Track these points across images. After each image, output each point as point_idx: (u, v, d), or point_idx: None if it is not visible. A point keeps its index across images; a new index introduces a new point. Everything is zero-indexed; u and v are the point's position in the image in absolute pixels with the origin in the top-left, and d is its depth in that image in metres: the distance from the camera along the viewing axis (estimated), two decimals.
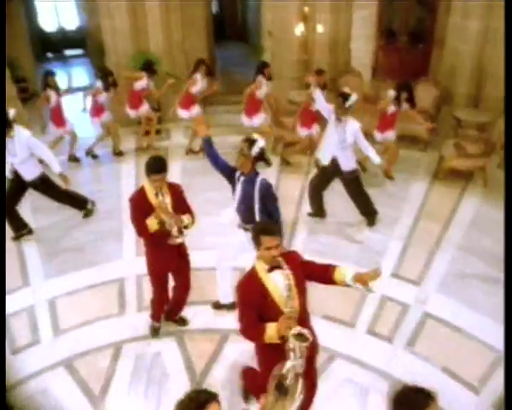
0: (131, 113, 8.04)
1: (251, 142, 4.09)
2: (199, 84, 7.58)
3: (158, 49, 9.16)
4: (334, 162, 5.79)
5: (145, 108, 8.04)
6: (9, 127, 5.36)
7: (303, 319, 2.95)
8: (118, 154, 8.11)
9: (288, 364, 2.61)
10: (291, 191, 6.88)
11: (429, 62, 8.97)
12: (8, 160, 5.46)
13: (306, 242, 5.85)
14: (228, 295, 4.77)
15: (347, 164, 5.77)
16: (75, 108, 8.39)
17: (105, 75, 7.64)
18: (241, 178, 4.16)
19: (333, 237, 5.97)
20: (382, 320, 4.70)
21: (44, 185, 5.84)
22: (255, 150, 4.07)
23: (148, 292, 4.81)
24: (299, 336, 2.63)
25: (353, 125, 5.59)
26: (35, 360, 4.33)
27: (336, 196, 6.31)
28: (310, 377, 2.91)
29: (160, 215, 3.77)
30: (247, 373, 3.57)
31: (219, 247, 4.72)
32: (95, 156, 8.07)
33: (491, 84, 7.72)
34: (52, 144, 7.45)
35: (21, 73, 10.38)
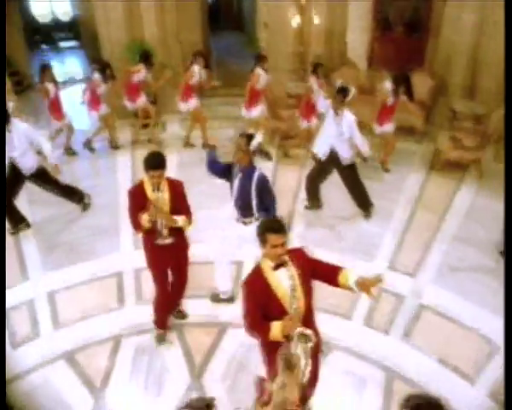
0: (129, 105, 8.00)
1: (249, 137, 4.10)
2: (197, 75, 7.52)
3: (153, 39, 9.12)
4: (333, 154, 5.82)
5: (143, 100, 8.00)
6: (8, 121, 5.35)
7: (308, 318, 2.97)
8: (114, 147, 8.09)
9: (293, 346, 2.64)
10: (288, 184, 6.90)
11: (425, 53, 8.95)
12: (8, 153, 5.44)
13: (303, 234, 5.89)
14: (227, 289, 4.82)
15: (346, 156, 5.80)
16: (70, 101, 8.35)
17: (102, 67, 7.59)
18: (239, 174, 4.18)
19: (329, 229, 6.01)
20: (378, 312, 4.76)
21: (43, 178, 5.85)
22: (253, 145, 4.09)
23: (146, 285, 4.87)
24: (303, 337, 2.65)
25: (349, 118, 5.62)
26: (35, 354, 4.36)
27: (333, 189, 6.34)
28: (312, 370, 2.93)
29: (153, 212, 3.73)
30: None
31: (217, 240, 4.75)
32: (92, 149, 8.05)
33: (487, 75, 7.74)
34: (52, 137, 7.46)
35: (15, 66, 10.29)
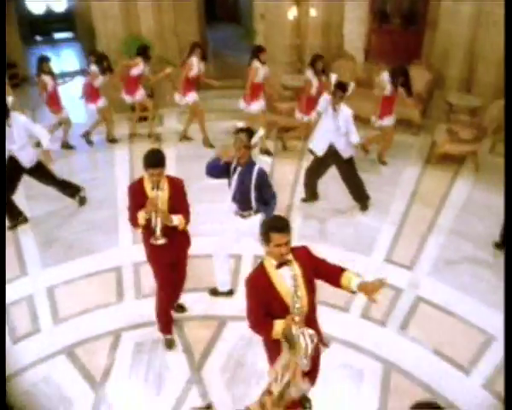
0: (127, 98, 7.94)
1: (250, 132, 4.13)
2: (196, 68, 7.43)
3: (149, 32, 9.07)
4: (331, 149, 5.82)
5: (141, 93, 7.93)
6: (7, 116, 5.34)
7: (310, 318, 2.98)
8: (111, 140, 8.08)
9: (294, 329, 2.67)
10: (286, 177, 6.93)
11: (422, 45, 8.96)
12: (7, 147, 5.43)
13: (301, 227, 5.91)
14: (225, 282, 4.86)
15: (345, 150, 5.81)
16: (66, 94, 8.30)
17: (100, 59, 7.54)
18: (238, 169, 4.21)
19: (326, 223, 6.05)
20: (376, 305, 4.78)
21: (41, 172, 5.86)
22: (255, 140, 4.11)
23: (145, 279, 4.91)
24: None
25: (346, 112, 5.64)
26: (36, 349, 4.39)
27: (330, 182, 6.36)
28: (313, 364, 2.96)
29: (149, 210, 3.73)
30: None
31: (216, 234, 4.77)
32: (90, 142, 8.03)
33: (483, 68, 7.76)
34: (50, 131, 7.46)
35: (10, 58, 10.22)
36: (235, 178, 4.23)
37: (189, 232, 4.20)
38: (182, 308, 4.70)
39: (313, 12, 8.47)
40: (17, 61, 10.51)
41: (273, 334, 2.88)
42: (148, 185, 3.79)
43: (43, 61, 7.28)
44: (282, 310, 2.86)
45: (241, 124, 4.32)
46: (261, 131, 4.34)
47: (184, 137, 8.10)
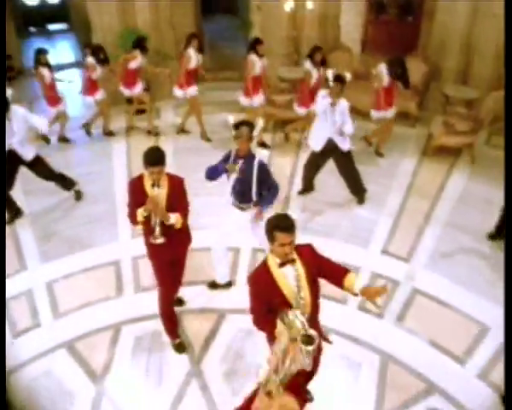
0: (126, 91, 7.85)
1: (251, 125, 4.15)
2: (194, 60, 7.36)
3: (145, 24, 8.99)
4: (330, 143, 5.81)
5: (140, 87, 7.83)
6: (7, 109, 5.34)
7: (313, 318, 2.99)
8: (108, 133, 8.06)
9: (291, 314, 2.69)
10: (283, 170, 6.93)
11: (419, 36, 8.95)
12: (7, 140, 5.40)
13: (298, 220, 5.93)
14: (224, 275, 4.90)
15: (343, 143, 5.81)
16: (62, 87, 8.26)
17: (96, 51, 7.46)
18: (240, 162, 4.23)
19: (323, 215, 6.08)
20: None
21: (40, 165, 5.86)
22: (256, 132, 4.15)
23: (145, 273, 4.94)
24: (307, 338, 2.66)
25: (343, 104, 5.64)
26: (37, 343, 4.43)
27: (326, 174, 6.38)
28: (314, 364, 2.99)
29: (149, 208, 3.73)
30: None
31: (214, 227, 4.80)
32: (89, 133, 8.00)
33: (479, 60, 7.78)
34: (49, 124, 7.45)
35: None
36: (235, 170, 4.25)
37: (190, 230, 4.22)
38: (181, 302, 4.73)
39: (310, 4, 8.42)
40: (12, 53, 10.40)
41: (276, 332, 2.89)
42: (147, 183, 3.78)
43: (41, 53, 7.21)
44: (285, 308, 2.86)
45: (231, 117, 4.32)
46: (260, 123, 4.39)
47: (182, 130, 8.08)
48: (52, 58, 7.49)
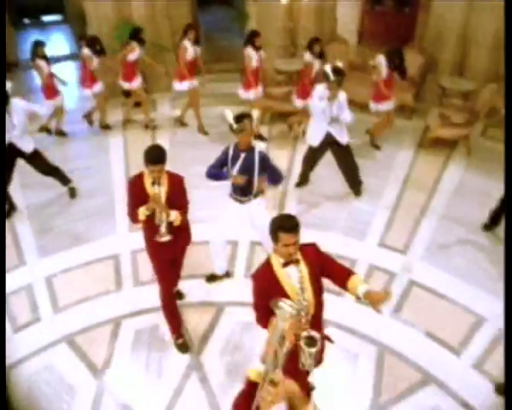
0: (125, 85, 7.78)
1: (250, 117, 4.17)
2: (190, 51, 7.29)
3: (141, 16, 8.93)
4: (328, 137, 5.80)
5: (138, 81, 7.75)
6: (7, 102, 5.32)
7: (316, 319, 3.00)
8: (105, 127, 8.03)
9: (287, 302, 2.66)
10: (280, 163, 6.90)
11: (415, 27, 8.94)
12: (7, 134, 5.39)
13: (295, 213, 5.95)
14: (223, 268, 4.94)
15: (342, 137, 5.81)
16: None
17: (92, 42, 7.39)
18: (242, 154, 4.25)
19: (320, 208, 6.11)
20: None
21: (38, 158, 5.86)
22: (255, 123, 4.16)
23: (143, 267, 4.96)
24: (309, 339, 2.66)
25: (341, 97, 5.61)
26: (37, 338, 4.46)
27: (324, 167, 6.40)
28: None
29: (152, 207, 3.74)
30: None
31: (212, 220, 4.83)
32: (91, 122, 7.97)
33: (476, 52, 7.79)
34: (48, 120, 7.47)
35: None
36: (239, 163, 4.26)
37: (191, 229, 4.25)
38: (180, 295, 4.76)
39: None
40: (8, 46, 10.30)
41: (269, 323, 2.92)
42: (147, 181, 3.78)
43: (38, 45, 7.16)
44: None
45: (229, 112, 4.31)
46: (255, 113, 4.40)
47: (181, 122, 8.05)
48: (47, 50, 7.42)
